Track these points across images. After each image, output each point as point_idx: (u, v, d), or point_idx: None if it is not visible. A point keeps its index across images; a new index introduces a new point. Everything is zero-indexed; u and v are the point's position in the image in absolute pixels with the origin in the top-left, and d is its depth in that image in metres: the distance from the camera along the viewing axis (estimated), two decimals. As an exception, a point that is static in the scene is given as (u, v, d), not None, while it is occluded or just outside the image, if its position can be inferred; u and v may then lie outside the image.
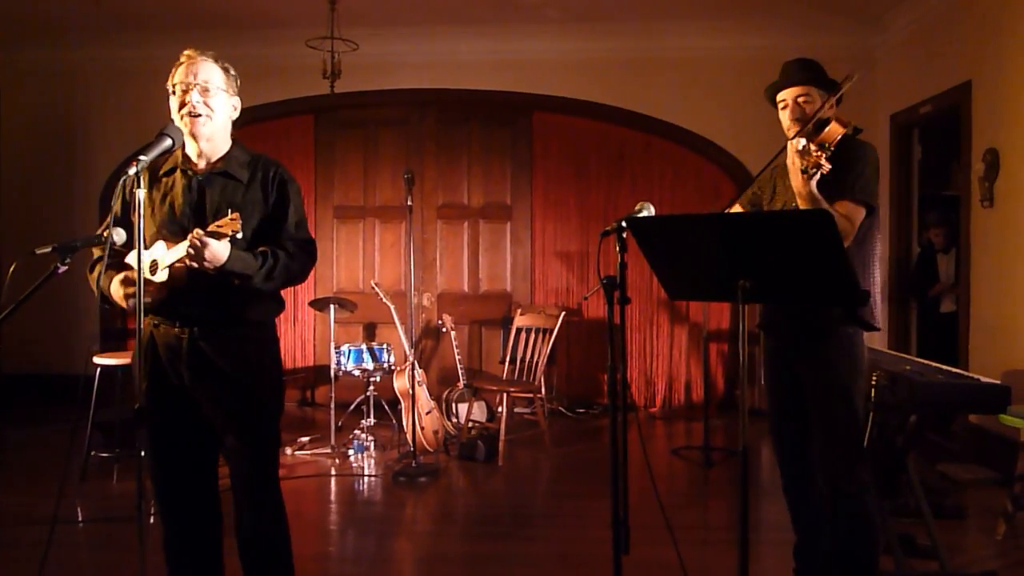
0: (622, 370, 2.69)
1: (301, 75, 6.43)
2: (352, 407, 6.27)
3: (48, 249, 2.36)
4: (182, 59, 2.56)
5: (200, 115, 2.50)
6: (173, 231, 2.51)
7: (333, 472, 5.18)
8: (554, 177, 7.14)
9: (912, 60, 6.16)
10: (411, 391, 5.22)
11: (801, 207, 2.57)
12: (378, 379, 5.87)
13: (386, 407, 6.18)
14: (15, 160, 7.26)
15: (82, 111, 7.26)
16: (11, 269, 2.37)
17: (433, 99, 7.17)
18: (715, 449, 5.47)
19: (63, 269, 2.34)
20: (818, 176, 2.54)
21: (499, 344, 7.01)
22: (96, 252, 2.65)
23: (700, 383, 6.82)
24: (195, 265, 2.35)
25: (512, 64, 6.96)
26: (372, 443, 5.59)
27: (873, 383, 3.11)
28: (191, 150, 2.58)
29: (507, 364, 6.16)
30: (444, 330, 6.42)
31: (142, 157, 2.29)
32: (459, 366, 6.14)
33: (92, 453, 4.91)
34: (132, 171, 2.25)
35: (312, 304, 6.07)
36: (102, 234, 2.50)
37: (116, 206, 2.50)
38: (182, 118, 2.51)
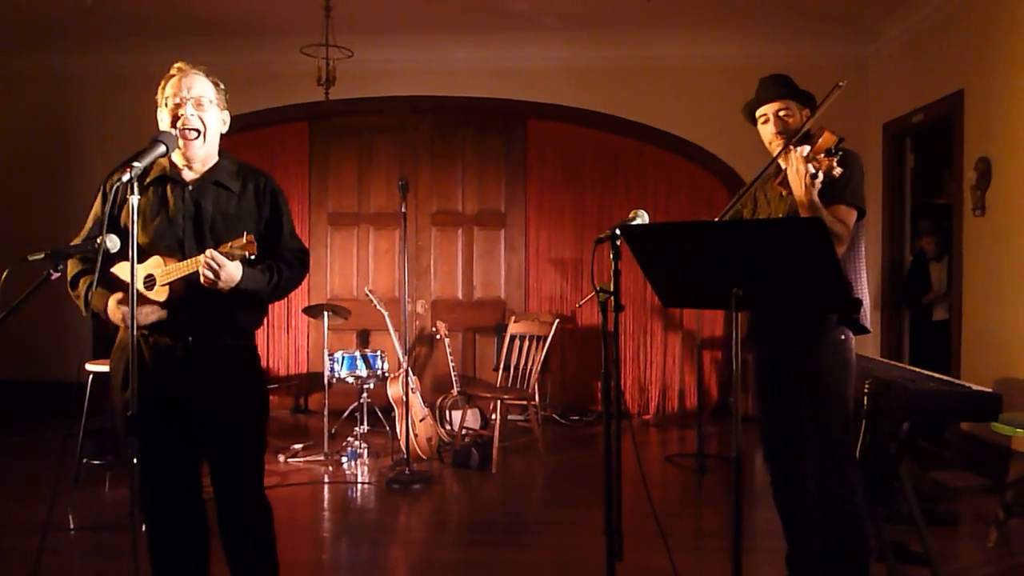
0: (616, 377, 2.69)
1: (296, 82, 6.43)
2: (346, 414, 6.27)
3: (41, 255, 2.35)
4: (173, 72, 2.54)
5: (196, 130, 2.50)
6: (169, 243, 2.51)
7: (326, 479, 5.16)
8: (548, 184, 7.15)
9: (904, 69, 6.20)
10: (405, 398, 5.22)
11: (803, 215, 2.59)
12: (372, 386, 5.86)
13: (380, 414, 6.17)
14: (8, 166, 7.24)
15: (76, 117, 7.25)
16: (3, 275, 2.35)
17: (428, 106, 7.18)
18: (709, 456, 5.47)
19: (56, 276, 2.33)
20: (819, 185, 2.57)
21: (493, 351, 7.00)
22: (72, 266, 2.61)
23: (694, 390, 6.84)
24: (210, 284, 2.36)
25: (507, 72, 6.98)
26: (366, 450, 5.58)
27: (866, 390, 3.13)
28: (179, 159, 2.57)
29: (501, 371, 6.15)
30: (438, 337, 6.41)
31: (136, 163, 2.25)
32: (453, 373, 6.13)
33: (84, 460, 4.89)
34: (126, 177, 2.21)
35: (306, 311, 6.07)
36: (96, 242, 2.44)
37: (104, 210, 2.45)
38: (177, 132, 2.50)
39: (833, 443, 2.74)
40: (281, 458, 5.52)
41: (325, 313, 5.74)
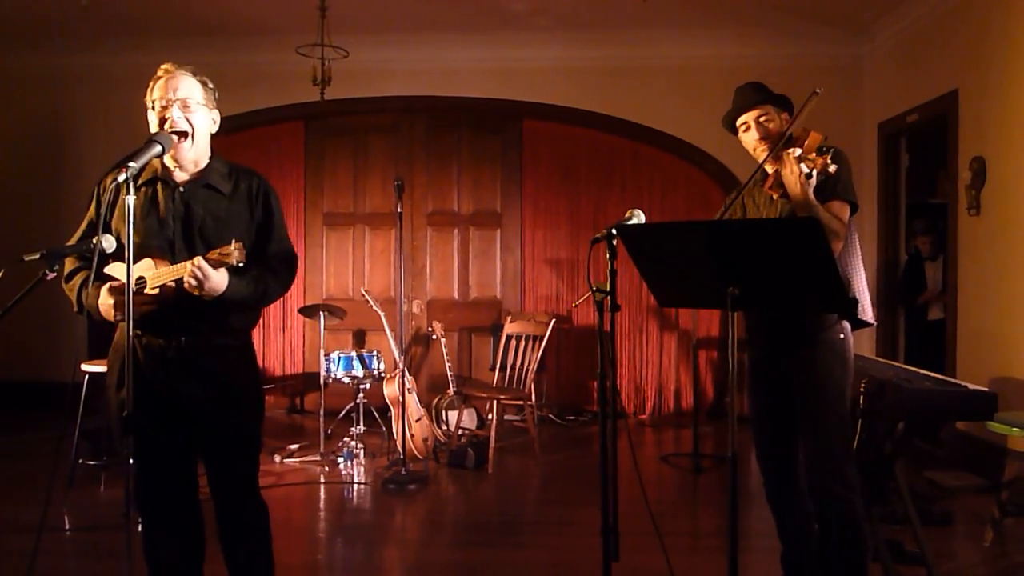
0: (612, 377, 2.70)
1: (291, 82, 6.43)
2: (342, 414, 6.26)
3: (36, 256, 2.35)
4: (160, 73, 2.52)
5: (184, 132, 2.48)
6: (160, 245, 2.50)
7: (322, 480, 5.16)
8: (544, 184, 7.15)
9: (899, 69, 6.22)
10: (401, 398, 5.21)
11: (800, 215, 2.61)
12: (368, 386, 5.85)
13: (376, 414, 6.16)
14: (2, 166, 7.22)
15: (71, 117, 7.23)
16: (-1, 276, 2.35)
17: (423, 106, 7.18)
18: (704, 456, 5.48)
19: (51, 276, 2.33)
20: (814, 183, 2.60)
21: (489, 351, 7.01)
22: (69, 263, 2.61)
23: (689, 390, 6.85)
24: (193, 292, 2.35)
25: (502, 72, 6.98)
26: (361, 450, 5.58)
27: (861, 390, 3.13)
28: (169, 161, 2.55)
29: (497, 371, 6.15)
30: (434, 337, 6.41)
31: (132, 163, 2.23)
32: (449, 373, 6.13)
33: (79, 461, 4.88)
34: (122, 177, 2.20)
35: (301, 311, 6.06)
36: (92, 241, 2.43)
37: (100, 211, 2.44)
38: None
39: (832, 442, 2.74)
40: (277, 458, 5.51)
41: (321, 313, 5.73)
